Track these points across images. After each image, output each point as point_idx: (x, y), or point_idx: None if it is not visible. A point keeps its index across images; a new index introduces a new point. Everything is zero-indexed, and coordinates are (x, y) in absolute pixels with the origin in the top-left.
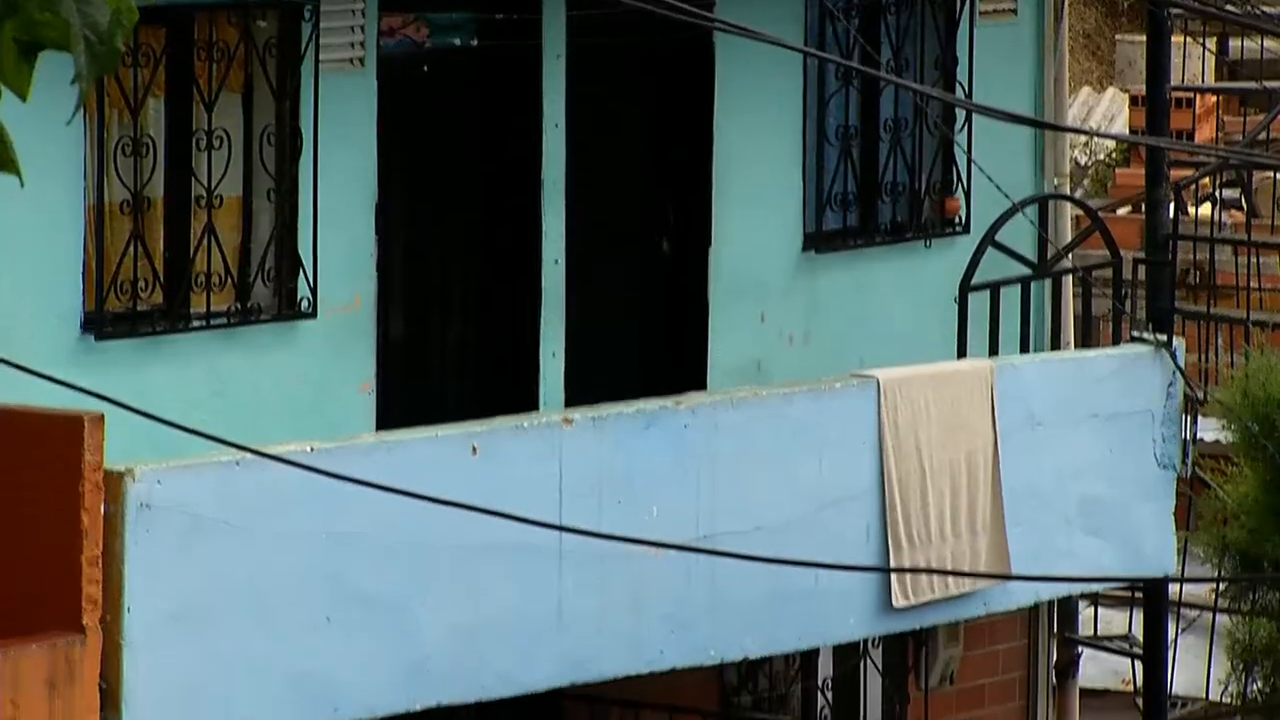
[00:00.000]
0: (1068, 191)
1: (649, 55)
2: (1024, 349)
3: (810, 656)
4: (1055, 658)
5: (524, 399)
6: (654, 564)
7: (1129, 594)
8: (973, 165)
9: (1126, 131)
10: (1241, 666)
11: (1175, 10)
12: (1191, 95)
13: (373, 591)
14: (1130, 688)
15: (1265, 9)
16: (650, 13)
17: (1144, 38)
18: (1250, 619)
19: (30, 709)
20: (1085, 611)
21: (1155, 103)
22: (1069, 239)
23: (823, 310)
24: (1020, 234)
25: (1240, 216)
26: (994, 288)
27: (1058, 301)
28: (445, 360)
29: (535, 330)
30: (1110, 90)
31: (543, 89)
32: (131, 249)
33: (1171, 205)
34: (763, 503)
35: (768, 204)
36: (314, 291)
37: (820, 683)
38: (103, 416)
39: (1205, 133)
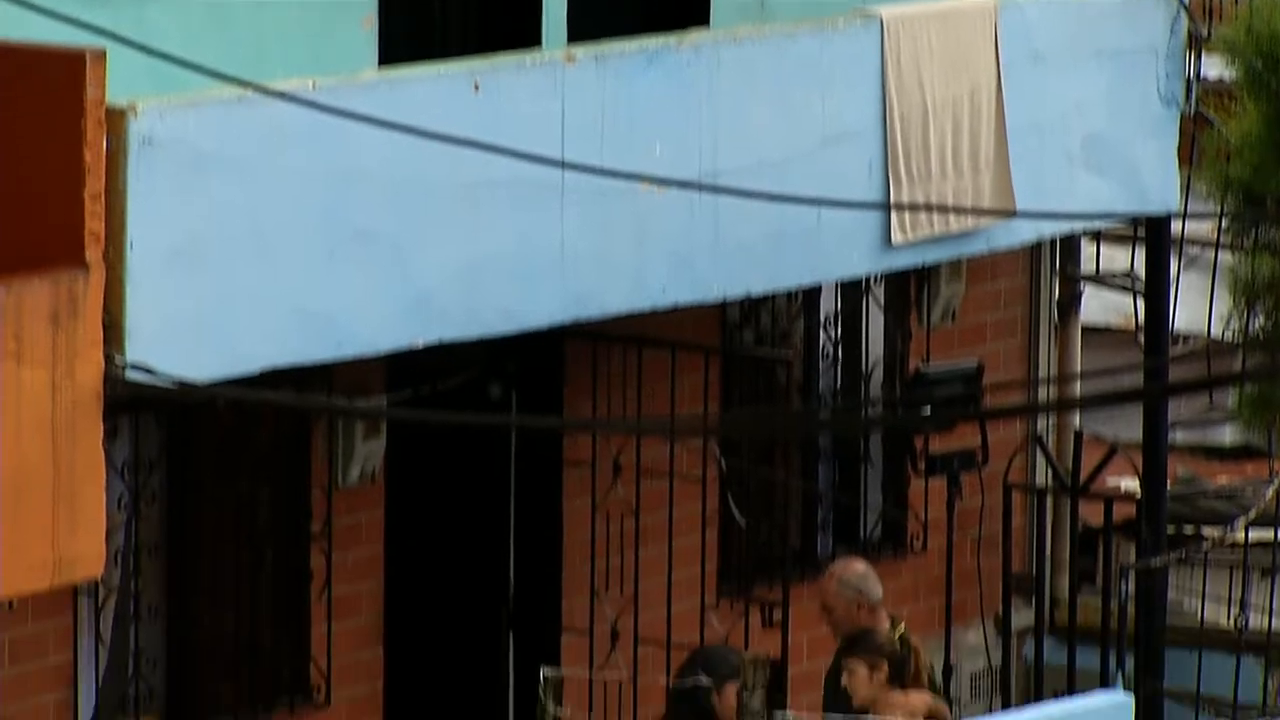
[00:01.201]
0: None
1: None
2: None
3: (812, 293)
4: (1057, 294)
5: (526, 35)
6: (656, 201)
7: (1131, 231)
8: None
9: None
10: (1243, 303)
11: None
12: None
13: (374, 228)
14: (1132, 324)
15: None
16: None
17: None
18: (1252, 255)
19: (33, 342)
20: (1087, 248)
21: None
22: None
23: None
24: None
25: None
26: None
27: None
28: None
29: None
30: None
31: None
32: None
33: None
34: (765, 140)
35: None
36: None
37: (822, 319)
38: (104, 52)
39: None
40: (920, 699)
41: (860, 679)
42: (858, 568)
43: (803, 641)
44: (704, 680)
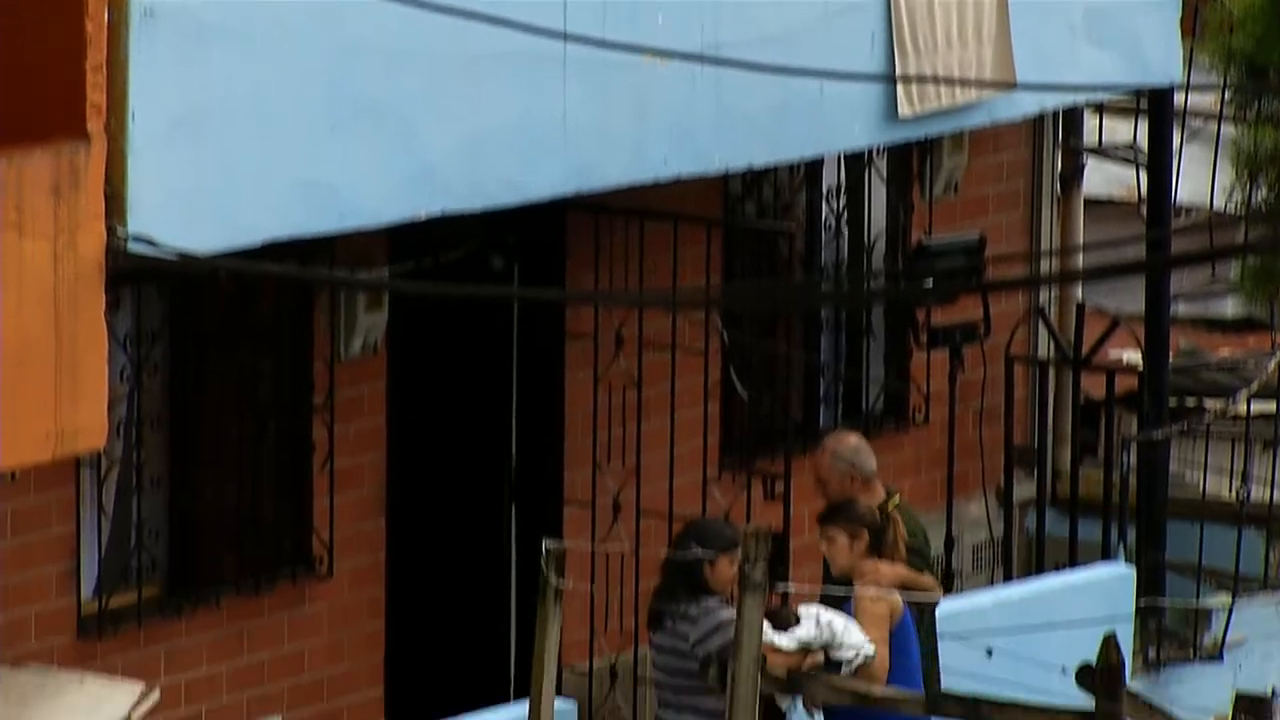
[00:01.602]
0: None
1: None
2: None
3: (814, 165)
4: (1060, 167)
5: None
6: (659, 73)
7: (1134, 103)
8: None
9: None
10: (1246, 175)
11: None
12: None
13: (378, 100)
14: (1134, 197)
15: None
16: None
17: None
18: (1255, 127)
19: (35, 214)
20: (1090, 121)
21: None
22: None
23: None
24: None
25: None
26: None
27: None
28: None
29: None
30: None
31: None
32: None
33: None
34: (768, 11)
35: None
36: None
37: (825, 191)
38: None
39: None
40: (892, 571)
41: (840, 548)
42: (850, 441)
43: (804, 514)
44: (701, 552)
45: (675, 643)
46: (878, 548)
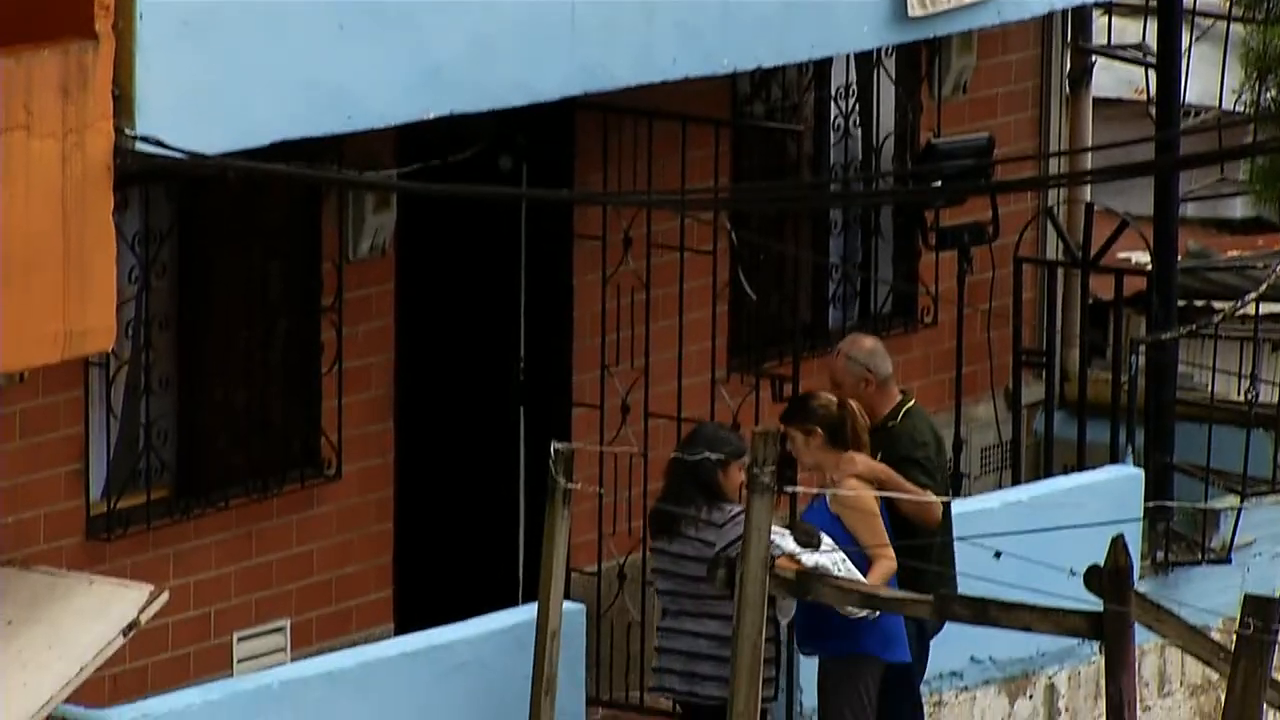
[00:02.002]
0: None
1: None
2: None
3: (824, 65)
4: (1068, 67)
5: None
6: None
7: (1143, 2)
8: None
9: None
10: (1255, 75)
11: None
12: None
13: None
14: (1143, 97)
15: None
16: None
17: None
18: (1264, 27)
19: (43, 114)
20: (1099, 20)
21: None
22: None
23: None
24: None
25: None
26: None
27: None
28: None
29: None
30: None
31: None
32: None
33: None
34: None
35: None
36: None
37: (834, 91)
38: None
39: None
40: (865, 462)
41: (798, 444)
42: (865, 344)
43: None
44: (712, 455)
45: (700, 550)
46: (838, 440)
